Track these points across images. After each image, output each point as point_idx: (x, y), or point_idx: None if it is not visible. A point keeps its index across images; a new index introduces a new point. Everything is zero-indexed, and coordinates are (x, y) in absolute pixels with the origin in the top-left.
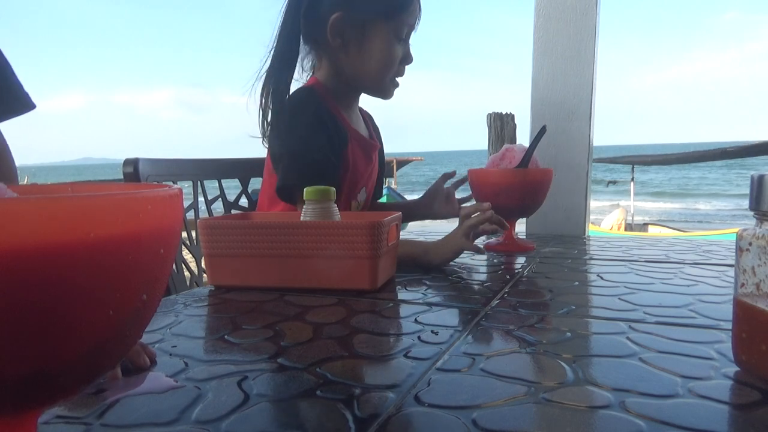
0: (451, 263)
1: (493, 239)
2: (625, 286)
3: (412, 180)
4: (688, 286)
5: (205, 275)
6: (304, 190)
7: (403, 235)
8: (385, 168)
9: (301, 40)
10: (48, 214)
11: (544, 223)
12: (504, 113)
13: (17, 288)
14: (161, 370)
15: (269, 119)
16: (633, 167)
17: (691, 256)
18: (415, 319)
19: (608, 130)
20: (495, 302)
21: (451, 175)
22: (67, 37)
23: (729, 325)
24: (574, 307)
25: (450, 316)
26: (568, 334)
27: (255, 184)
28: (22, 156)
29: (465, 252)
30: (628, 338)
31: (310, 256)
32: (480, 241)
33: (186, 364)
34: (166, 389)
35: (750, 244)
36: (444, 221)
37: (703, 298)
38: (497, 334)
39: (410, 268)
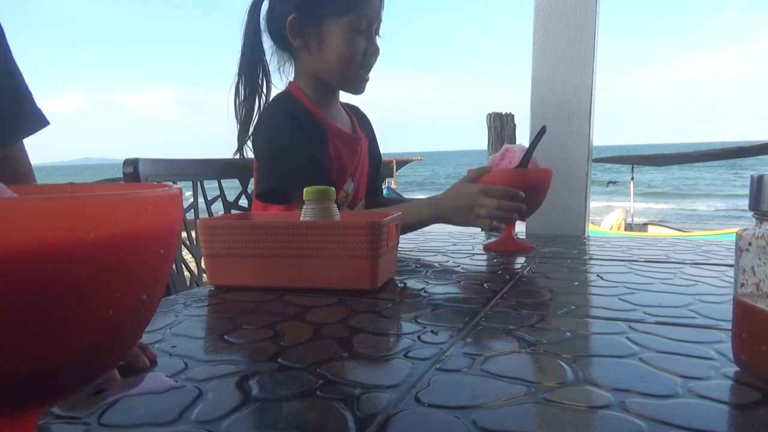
0: (451, 263)
1: (492, 239)
2: (625, 286)
3: (410, 180)
4: (688, 286)
5: (204, 275)
6: (304, 190)
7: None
8: (381, 161)
9: (275, 46)
10: (48, 214)
11: (544, 223)
12: (504, 113)
13: (17, 288)
14: (161, 370)
15: (249, 127)
16: (633, 167)
17: (691, 256)
18: (415, 319)
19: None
20: (495, 302)
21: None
22: (67, 37)
23: (729, 325)
24: (574, 307)
25: (450, 316)
26: (568, 334)
27: None
28: None
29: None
30: (628, 338)
31: (310, 256)
32: (478, 241)
33: (186, 364)
34: (166, 389)
35: (750, 244)
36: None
37: (703, 298)
38: (497, 334)
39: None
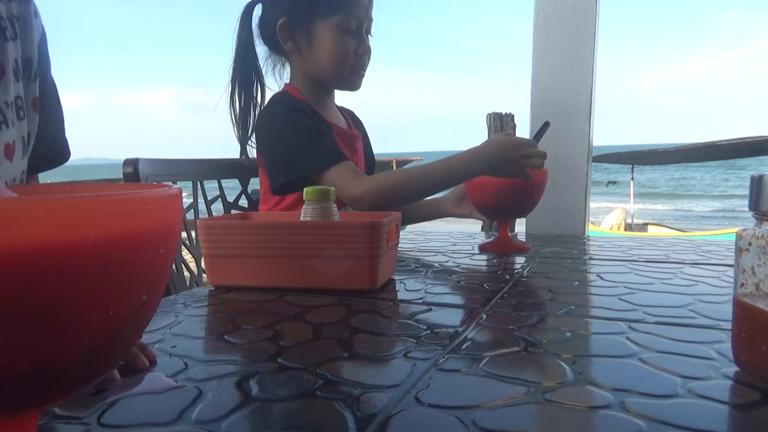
0: (451, 263)
1: (488, 240)
2: (625, 286)
3: None
4: (688, 286)
5: (204, 275)
6: (304, 190)
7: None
8: (375, 165)
9: (268, 51)
10: (48, 214)
11: (543, 223)
12: (504, 113)
13: (17, 288)
14: (161, 370)
15: (250, 128)
16: (633, 167)
17: (690, 256)
18: (415, 319)
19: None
20: (495, 302)
21: None
22: (68, 37)
23: (729, 325)
24: (574, 307)
25: (450, 316)
26: (568, 334)
27: (255, 184)
28: None
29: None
30: (628, 338)
31: (309, 256)
32: (478, 241)
33: (186, 364)
34: (166, 389)
35: (749, 244)
36: (441, 223)
37: (703, 298)
38: (497, 334)
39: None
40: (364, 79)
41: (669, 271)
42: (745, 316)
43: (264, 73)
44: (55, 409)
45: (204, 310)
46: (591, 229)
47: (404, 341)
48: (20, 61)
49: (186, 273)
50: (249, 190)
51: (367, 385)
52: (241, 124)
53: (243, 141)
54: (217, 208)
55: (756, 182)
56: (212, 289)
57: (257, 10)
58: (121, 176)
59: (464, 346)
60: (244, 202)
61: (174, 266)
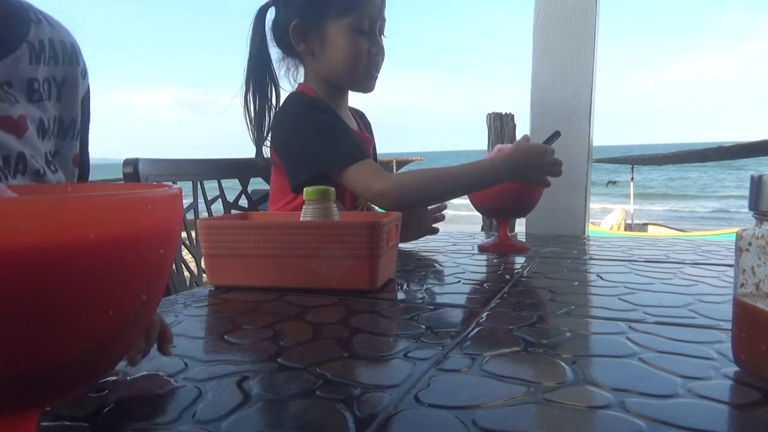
0: (451, 263)
1: (488, 240)
2: (625, 286)
3: None
4: (688, 286)
5: (204, 275)
6: (304, 190)
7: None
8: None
9: (282, 53)
10: (48, 214)
11: (544, 223)
12: (504, 113)
13: (17, 288)
14: (161, 370)
15: (266, 129)
16: (633, 167)
17: (690, 256)
18: (415, 319)
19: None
20: (495, 302)
21: None
22: None
23: (729, 325)
24: (574, 307)
25: (450, 316)
26: (568, 334)
27: (255, 184)
28: None
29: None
30: (628, 338)
31: (309, 256)
32: (478, 242)
33: (186, 364)
34: (166, 389)
35: (749, 244)
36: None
37: (703, 298)
38: (497, 334)
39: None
40: (377, 81)
41: (669, 271)
42: (745, 316)
43: (278, 75)
44: (55, 409)
45: (204, 310)
46: (591, 229)
47: (404, 341)
48: (53, 122)
49: (186, 273)
50: (249, 190)
51: (367, 385)
52: (257, 126)
53: (259, 143)
54: (217, 208)
55: (756, 182)
56: (212, 289)
57: (270, 13)
58: (121, 176)
59: (464, 346)
60: (244, 202)
61: (174, 266)
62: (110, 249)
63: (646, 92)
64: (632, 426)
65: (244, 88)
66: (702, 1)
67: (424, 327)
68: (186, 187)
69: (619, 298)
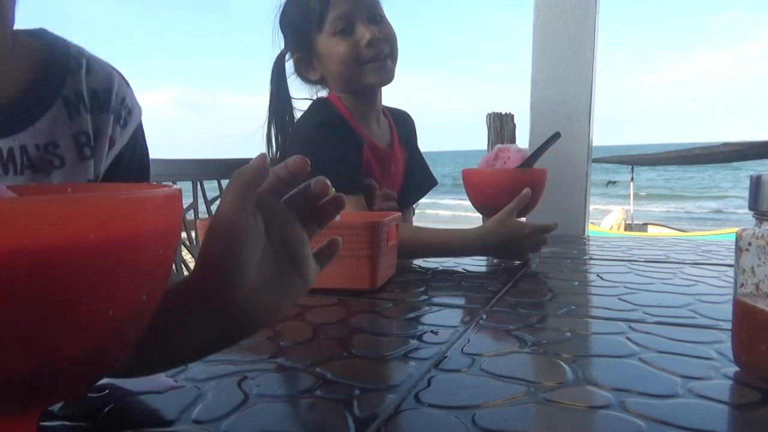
0: (451, 263)
1: None
2: (625, 286)
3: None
4: (688, 286)
5: None
6: None
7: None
8: (431, 178)
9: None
10: (48, 214)
11: None
12: (504, 113)
13: (17, 288)
14: None
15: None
16: (633, 168)
17: (690, 256)
18: (415, 319)
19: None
20: (495, 302)
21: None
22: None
23: (729, 325)
24: (574, 307)
25: (450, 316)
26: (568, 334)
27: None
28: None
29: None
30: (628, 338)
31: None
32: None
33: (186, 364)
34: (166, 389)
35: (749, 244)
36: None
37: (703, 298)
38: (497, 334)
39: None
40: (395, 67)
41: (669, 271)
42: (745, 316)
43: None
44: (55, 409)
45: None
46: (591, 229)
47: (404, 341)
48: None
49: (186, 273)
50: None
51: (367, 385)
52: (279, 160)
53: (275, 152)
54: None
55: (755, 182)
56: None
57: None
58: None
59: (464, 346)
60: None
61: (174, 266)
62: (110, 249)
63: (646, 92)
64: (632, 426)
65: (266, 126)
66: (702, 1)
67: (424, 327)
68: (186, 187)
69: (619, 298)
